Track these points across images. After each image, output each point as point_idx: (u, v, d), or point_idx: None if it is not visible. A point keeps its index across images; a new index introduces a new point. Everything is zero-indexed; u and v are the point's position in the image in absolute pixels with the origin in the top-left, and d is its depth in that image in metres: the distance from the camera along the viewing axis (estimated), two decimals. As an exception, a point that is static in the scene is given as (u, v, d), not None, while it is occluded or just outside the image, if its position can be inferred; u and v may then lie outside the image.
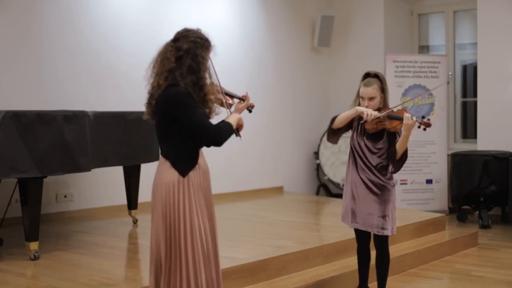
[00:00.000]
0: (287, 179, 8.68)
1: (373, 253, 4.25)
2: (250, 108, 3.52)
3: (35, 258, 4.57)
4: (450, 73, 8.48)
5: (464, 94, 8.78)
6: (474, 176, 7.32)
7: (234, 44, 7.97)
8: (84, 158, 4.84)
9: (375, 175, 4.02)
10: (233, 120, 3.24)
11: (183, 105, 3.06)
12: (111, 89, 6.63)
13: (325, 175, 8.77)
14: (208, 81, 3.17)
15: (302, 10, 8.85)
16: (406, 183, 7.94)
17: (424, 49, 9.17)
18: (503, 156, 7.29)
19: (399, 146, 3.96)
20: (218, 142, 3.14)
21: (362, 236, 4.21)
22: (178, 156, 3.13)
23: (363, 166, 4.04)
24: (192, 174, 3.14)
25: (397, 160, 4.00)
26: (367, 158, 4.04)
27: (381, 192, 4.02)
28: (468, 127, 8.76)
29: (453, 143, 8.59)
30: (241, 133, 3.32)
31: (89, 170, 4.93)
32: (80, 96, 6.28)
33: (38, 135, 4.55)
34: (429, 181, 8.04)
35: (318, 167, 8.94)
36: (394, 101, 7.76)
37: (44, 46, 6.11)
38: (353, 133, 4.12)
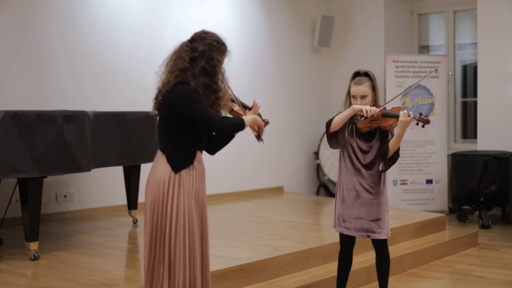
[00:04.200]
0: (287, 179, 8.67)
1: (370, 255, 4.22)
2: (263, 128, 3.44)
3: (35, 258, 4.57)
4: (450, 73, 8.48)
5: (464, 94, 8.78)
6: (474, 176, 7.31)
7: (234, 44, 7.89)
8: (84, 158, 4.84)
9: (366, 176, 3.88)
10: (246, 118, 3.27)
11: (188, 99, 3.11)
12: (111, 89, 6.63)
13: (325, 175, 8.77)
14: (222, 85, 3.21)
15: (302, 10, 8.85)
16: (406, 183, 7.92)
17: (424, 49, 9.17)
18: (503, 156, 7.29)
19: (392, 144, 3.82)
20: (221, 127, 3.18)
21: (346, 241, 4.02)
22: (175, 152, 3.17)
23: (354, 167, 3.90)
24: (185, 173, 3.17)
25: (389, 159, 3.86)
26: (358, 159, 3.89)
27: (374, 194, 3.88)
28: (468, 127, 8.76)
29: (453, 143, 8.59)
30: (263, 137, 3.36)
31: (89, 170, 4.93)
32: (80, 96, 6.28)
33: (38, 135, 4.55)
34: (429, 181, 8.04)
35: (318, 167, 8.93)
36: (395, 102, 7.79)
37: (44, 46, 6.11)
38: (344, 133, 3.96)
